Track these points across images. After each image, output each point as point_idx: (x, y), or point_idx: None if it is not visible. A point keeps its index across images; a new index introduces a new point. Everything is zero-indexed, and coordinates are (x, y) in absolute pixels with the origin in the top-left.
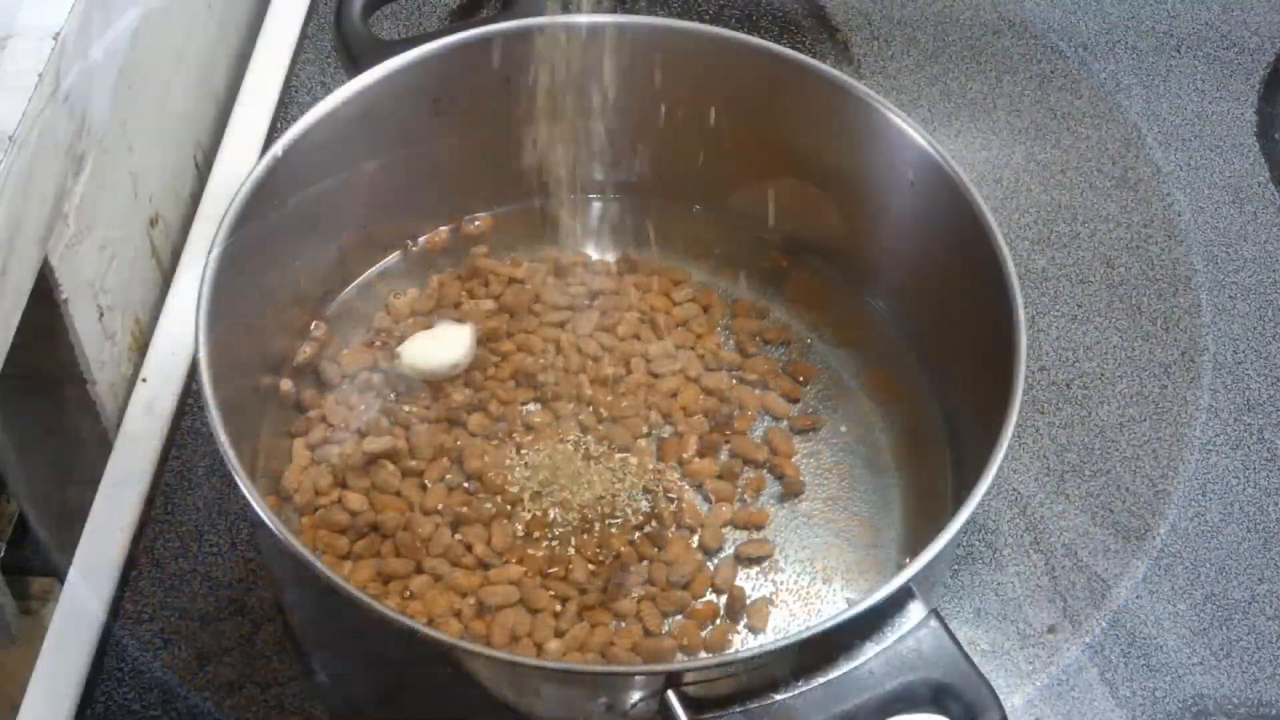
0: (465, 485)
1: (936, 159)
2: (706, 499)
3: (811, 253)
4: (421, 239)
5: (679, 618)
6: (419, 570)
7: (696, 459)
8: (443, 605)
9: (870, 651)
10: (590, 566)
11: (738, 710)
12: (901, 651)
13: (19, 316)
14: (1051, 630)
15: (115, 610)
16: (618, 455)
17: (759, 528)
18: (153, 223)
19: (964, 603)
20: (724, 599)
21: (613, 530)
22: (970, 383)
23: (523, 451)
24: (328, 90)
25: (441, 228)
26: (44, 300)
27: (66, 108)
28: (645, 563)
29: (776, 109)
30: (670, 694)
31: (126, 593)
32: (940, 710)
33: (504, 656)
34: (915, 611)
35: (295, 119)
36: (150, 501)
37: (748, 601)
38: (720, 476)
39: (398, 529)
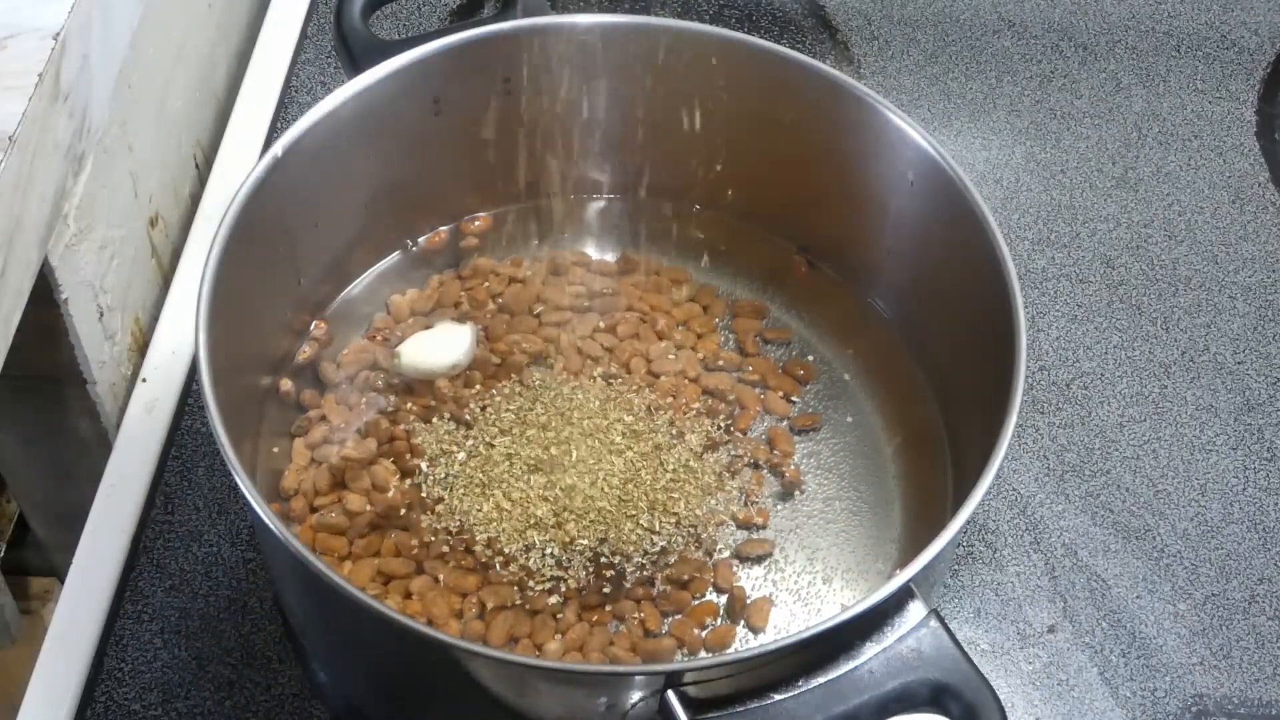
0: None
1: (936, 159)
2: (707, 498)
3: (811, 253)
4: (421, 239)
5: (679, 618)
6: (419, 571)
7: (697, 459)
8: (443, 606)
9: (870, 651)
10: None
11: (738, 710)
12: (901, 651)
13: (19, 317)
14: (1051, 630)
15: (115, 610)
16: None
17: (759, 528)
18: (153, 223)
19: (964, 603)
20: (724, 599)
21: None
22: (970, 383)
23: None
24: (328, 90)
25: (441, 228)
26: (44, 300)
27: (66, 108)
28: (646, 563)
29: (776, 109)
30: (670, 694)
31: (126, 593)
32: (940, 710)
33: (504, 656)
34: (915, 611)
35: (295, 119)
36: (150, 501)
37: (748, 601)
38: (720, 476)
39: (398, 529)
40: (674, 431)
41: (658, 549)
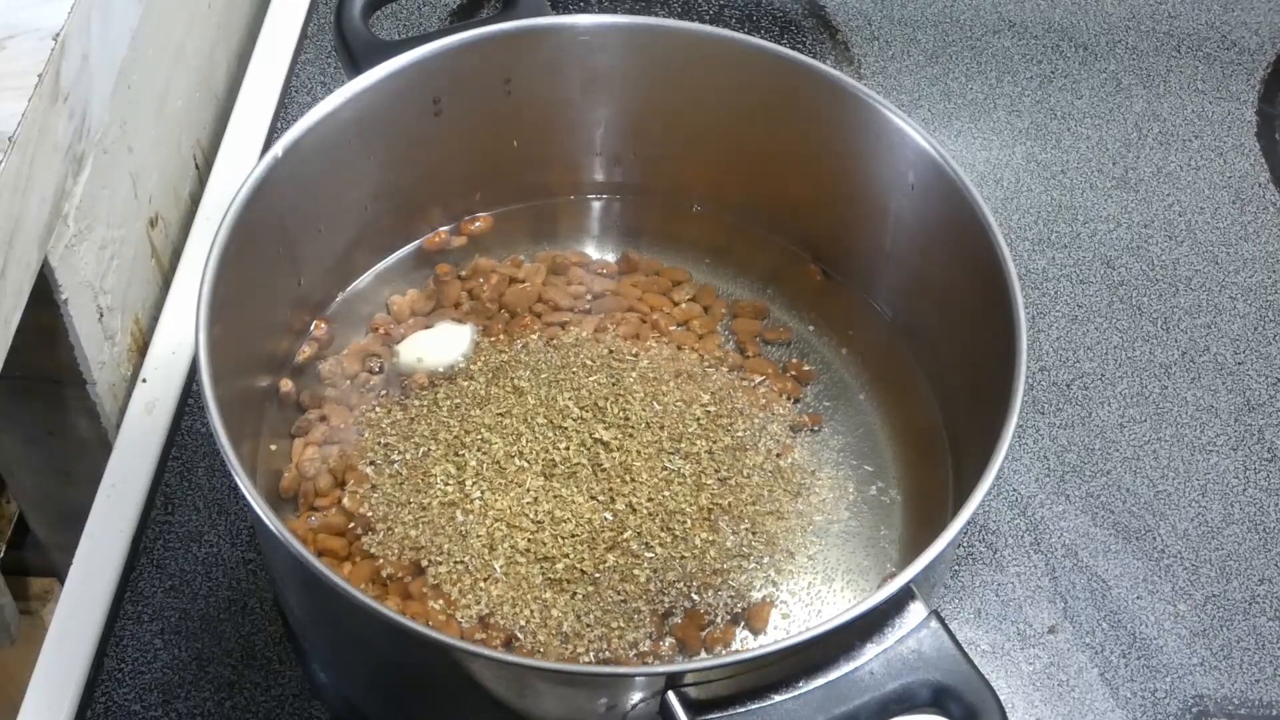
0: None
1: (937, 159)
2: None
3: (812, 253)
4: (421, 239)
5: (680, 618)
6: (419, 571)
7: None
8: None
9: (870, 652)
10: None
11: (738, 711)
12: (902, 652)
13: (19, 317)
14: (1052, 630)
15: (115, 611)
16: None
17: None
18: (153, 223)
19: (964, 603)
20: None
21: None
22: (970, 383)
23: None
24: (328, 90)
25: (441, 228)
26: (44, 301)
27: (66, 108)
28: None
29: (776, 109)
30: (670, 695)
31: (126, 593)
32: (940, 711)
33: (504, 657)
34: (915, 612)
35: (295, 119)
36: (150, 502)
37: (748, 602)
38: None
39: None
40: (757, 424)
41: (745, 574)
